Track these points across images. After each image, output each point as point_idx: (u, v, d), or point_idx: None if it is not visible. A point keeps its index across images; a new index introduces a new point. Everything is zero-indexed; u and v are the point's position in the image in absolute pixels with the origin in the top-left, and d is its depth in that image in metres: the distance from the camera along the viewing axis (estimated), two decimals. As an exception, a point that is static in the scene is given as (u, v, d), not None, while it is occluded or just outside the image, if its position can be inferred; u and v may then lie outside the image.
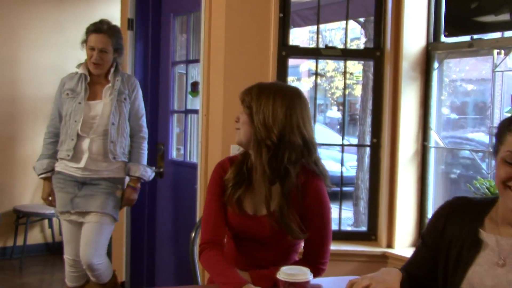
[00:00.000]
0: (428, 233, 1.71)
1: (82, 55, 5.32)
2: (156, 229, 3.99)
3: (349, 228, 7.75)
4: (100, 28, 3.20)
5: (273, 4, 2.96)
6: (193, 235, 2.62)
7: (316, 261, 1.99)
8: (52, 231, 5.22)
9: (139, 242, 4.00)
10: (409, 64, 2.97)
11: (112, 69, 3.26)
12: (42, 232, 5.31)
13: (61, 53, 5.10)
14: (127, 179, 3.36)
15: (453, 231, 1.63)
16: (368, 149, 3.27)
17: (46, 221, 5.24)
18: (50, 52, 5.16)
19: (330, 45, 15.43)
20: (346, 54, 3.12)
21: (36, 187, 5.18)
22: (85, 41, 3.24)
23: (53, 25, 5.20)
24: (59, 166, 3.26)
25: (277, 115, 1.90)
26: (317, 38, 3.19)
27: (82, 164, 3.18)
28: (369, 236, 3.08)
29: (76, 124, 3.15)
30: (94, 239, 3.15)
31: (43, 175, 3.28)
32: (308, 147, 1.95)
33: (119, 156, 3.24)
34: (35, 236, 5.24)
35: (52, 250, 5.22)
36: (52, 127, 3.32)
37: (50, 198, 3.32)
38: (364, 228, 3.25)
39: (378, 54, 3.01)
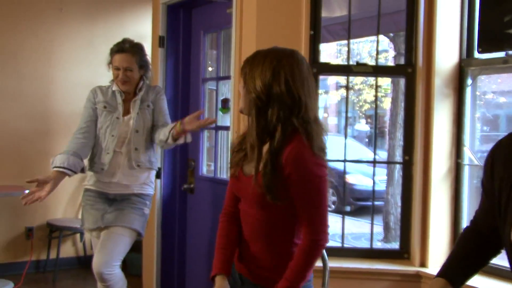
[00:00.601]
0: (484, 177, 1.64)
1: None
2: (187, 245, 4.00)
3: (379, 244, 7.69)
4: (123, 47, 3.23)
5: (304, 22, 2.97)
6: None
7: (309, 238, 1.90)
8: (84, 245, 5.29)
9: (169, 258, 4.02)
10: (441, 81, 2.94)
11: (141, 84, 3.30)
12: (74, 246, 5.37)
13: (92, 70, 5.18)
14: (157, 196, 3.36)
15: (500, 170, 1.54)
16: (398, 164, 3.24)
17: (78, 235, 5.31)
18: (82, 69, 5.25)
19: (358, 57, 15.42)
20: (377, 70, 3.10)
21: (68, 201, 5.27)
22: (110, 62, 3.28)
23: (85, 42, 5.30)
24: (89, 182, 3.27)
25: (266, 74, 1.88)
26: (348, 55, 3.18)
27: (115, 178, 3.20)
28: (402, 254, 3.04)
29: (113, 139, 3.19)
30: (109, 247, 3.11)
31: (57, 169, 3.05)
32: (299, 105, 1.87)
33: (143, 163, 3.24)
34: (67, 250, 5.31)
35: (84, 264, 5.27)
36: (85, 128, 3.24)
37: (36, 184, 2.99)
38: (395, 245, 3.21)
39: (410, 70, 2.99)
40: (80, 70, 5.26)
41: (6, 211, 5.05)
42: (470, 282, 1.76)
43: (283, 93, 1.86)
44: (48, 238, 5.13)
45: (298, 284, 1.90)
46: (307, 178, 1.87)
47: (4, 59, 5.06)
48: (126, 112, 3.26)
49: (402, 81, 3.10)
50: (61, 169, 3.04)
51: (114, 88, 3.28)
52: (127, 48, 3.22)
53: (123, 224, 3.14)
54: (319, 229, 1.91)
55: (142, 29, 5.07)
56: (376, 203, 8.68)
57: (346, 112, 3.58)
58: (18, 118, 5.10)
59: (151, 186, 3.34)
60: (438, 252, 2.97)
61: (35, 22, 5.16)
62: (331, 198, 10.27)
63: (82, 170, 3.17)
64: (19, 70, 5.13)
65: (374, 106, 15.43)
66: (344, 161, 3.19)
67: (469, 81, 2.97)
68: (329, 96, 18.11)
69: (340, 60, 15.54)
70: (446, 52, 2.96)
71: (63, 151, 3.14)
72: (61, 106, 5.21)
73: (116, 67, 3.23)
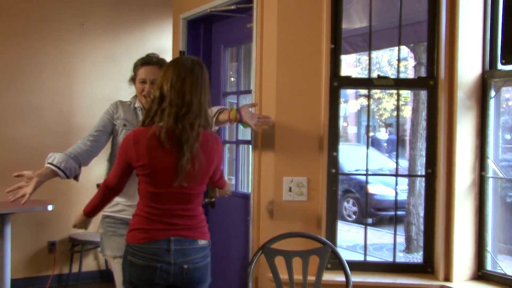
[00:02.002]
0: None
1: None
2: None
3: (400, 254, 7.62)
4: (150, 60, 3.11)
5: (324, 35, 2.96)
6: (249, 269, 2.64)
7: None
8: (106, 259, 5.31)
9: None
10: (464, 93, 2.91)
11: None
12: (96, 260, 5.41)
13: (114, 84, 5.24)
14: None
15: None
16: (420, 177, 3.21)
17: (99, 249, 5.33)
18: (104, 84, 5.31)
19: (377, 66, 15.27)
20: (398, 84, 3.08)
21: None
22: (133, 78, 3.14)
23: (107, 57, 5.37)
24: (109, 209, 3.01)
25: None
26: (369, 68, 3.17)
27: (135, 201, 2.81)
28: (425, 268, 3.01)
29: None
30: None
31: (52, 167, 2.81)
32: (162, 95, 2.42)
33: None
34: (89, 264, 5.35)
35: (105, 278, 5.31)
36: (95, 137, 3.04)
37: (24, 178, 2.76)
38: (418, 256, 3.17)
39: (432, 83, 2.97)
40: (101, 85, 5.32)
41: (29, 226, 5.11)
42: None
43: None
44: (70, 252, 5.17)
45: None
46: None
47: (26, 74, 5.14)
48: None
49: (423, 91, 3.06)
50: (55, 168, 2.80)
51: (137, 104, 3.11)
52: (154, 61, 3.09)
53: None
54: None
55: (163, 43, 5.12)
56: (398, 213, 8.63)
57: (368, 122, 3.55)
58: (40, 133, 5.17)
59: None
60: (462, 266, 2.93)
61: (57, 38, 5.23)
62: (352, 208, 10.21)
63: (76, 178, 2.94)
64: (41, 85, 5.20)
65: (393, 114, 15.31)
66: (366, 174, 3.17)
67: (492, 93, 2.94)
68: (348, 105, 18.06)
69: (359, 69, 15.52)
70: (469, 63, 2.93)
71: (65, 152, 2.90)
72: (83, 121, 5.26)
73: (142, 79, 3.06)
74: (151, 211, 2.43)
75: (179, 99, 2.39)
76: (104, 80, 5.32)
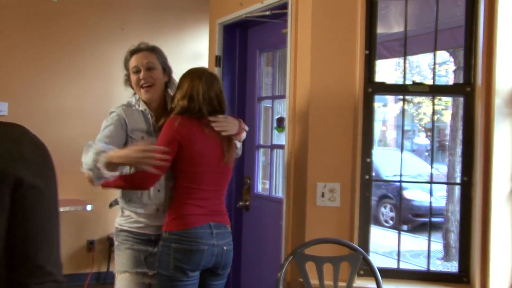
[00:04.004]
0: None
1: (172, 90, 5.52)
2: (241, 262, 4.02)
3: (438, 262, 7.49)
4: (139, 47, 2.79)
5: (359, 41, 2.95)
6: (279, 274, 2.66)
7: None
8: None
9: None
10: (502, 100, 2.85)
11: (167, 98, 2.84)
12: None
13: (152, 88, 5.33)
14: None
15: None
16: (456, 185, 3.16)
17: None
18: (143, 87, 5.40)
19: (417, 70, 15.03)
20: (434, 90, 3.05)
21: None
22: (128, 76, 2.79)
23: (146, 61, 5.45)
24: (124, 222, 2.76)
25: None
26: (404, 73, 3.14)
27: (159, 216, 2.72)
28: (461, 278, 2.96)
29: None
30: None
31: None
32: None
33: None
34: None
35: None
36: (107, 140, 2.60)
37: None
38: (455, 267, 3.12)
39: (469, 89, 2.92)
40: (140, 89, 5.41)
41: (69, 225, 5.24)
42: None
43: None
44: (108, 251, 5.28)
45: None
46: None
47: (69, 78, 5.27)
48: None
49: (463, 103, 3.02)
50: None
51: (142, 107, 2.75)
52: (144, 48, 2.78)
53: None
54: None
55: (200, 48, 5.18)
56: (436, 219, 8.51)
57: (403, 127, 3.51)
58: (82, 135, 5.26)
59: None
60: (499, 276, 2.87)
61: (98, 42, 5.35)
62: (389, 214, 10.09)
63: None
64: (83, 88, 5.33)
65: (434, 119, 15.09)
66: (400, 181, 3.14)
67: (531, 100, 2.88)
68: (387, 109, 17.86)
69: (399, 73, 15.33)
70: (507, 70, 2.87)
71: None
72: (122, 123, 5.37)
73: (135, 67, 2.72)
74: (192, 196, 2.63)
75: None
76: (142, 84, 5.42)
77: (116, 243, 2.77)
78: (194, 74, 2.76)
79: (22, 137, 1.21)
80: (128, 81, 2.80)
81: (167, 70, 2.83)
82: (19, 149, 1.18)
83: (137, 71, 2.72)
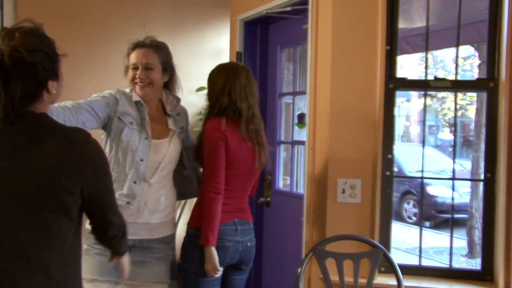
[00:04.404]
0: None
1: (194, 85, 5.57)
2: (263, 257, 4.03)
3: (462, 259, 7.42)
4: (142, 42, 2.66)
5: (380, 37, 2.93)
6: (299, 270, 2.66)
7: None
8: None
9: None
10: (526, 96, 2.81)
11: (164, 97, 2.72)
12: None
13: (174, 84, 5.36)
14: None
15: None
16: (482, 176, 3.12)
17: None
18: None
19: (441, 64, 14.84)
20: (456, 85, 3.01)
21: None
22: (127, 68, 2.68)
23: (167, 57, 5.48)
24: None
25: None
26: (426, 69, 3.10)
27: (142, 218, 2.55)
28: (484, 276, 2.92)
29: (141, 165, 2.51)
30: None
31: None
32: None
33: (172, 204, 2.71)
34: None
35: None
36: (83, 106, 2.43)
37: None
38: (479, 264, 3.08)
39: (492, 85, 2.88)
40: (162, 85, 5.45)
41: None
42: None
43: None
44: (131, 247, 5.33)
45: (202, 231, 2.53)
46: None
47: (92, 75, 5.32)
48: (156, 134, 2.60)
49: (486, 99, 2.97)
50: None
51: (136, 98, 2.61)
52: (148, 44, 2.65)
53: (149, 280, 2.50)
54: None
55: (221, 44, 5.18)
56: (460, 216, 8.41)
57: (424, 122, 3.49)
58: (103, 131, 5.35)
59: (174, 223, 2.78)
60: (523, 274, 2.83)
61: (120, 39, 5.33)
62: (412, 210, 10.01)
63: None
64: (106, 85, 5.35)
65: (458, 114, 14.90)
66: (422, 178, 3.11)
67: (556, 95, 2.82)
68: (411, 104, 17.70)
69: (422, 68, 15.14)
70: (532, 65, 2.83)
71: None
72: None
73: (133, 65, 2.60)
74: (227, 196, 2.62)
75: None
76: (164, 80, 5.45)
77: (85, 246, 2.44)
78: (229, 70, 2.73)
79: (87, 137, 1.69)
80: (127, 72, 2.69)
81: (168, 70, 2.68)
82: (88, 147, 1.66)
83: (135, 68, 2.61)
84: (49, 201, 1.57)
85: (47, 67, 1.62)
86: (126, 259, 2.13)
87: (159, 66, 2.62)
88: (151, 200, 2.56)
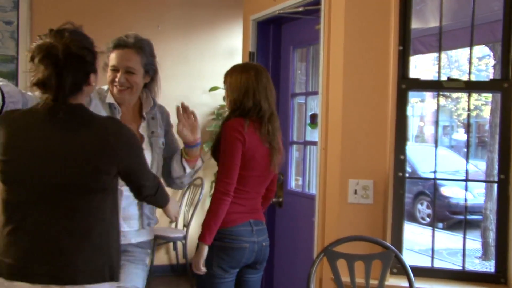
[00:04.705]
0: None
1: (206, 85, 5.58)
2: (274, 257, 4.03)
3: (477, 261, 7.36)
4: (125, 42, 2.41)
5: (392, 37, 2.92)
6: (310, 271, 2.66)
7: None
8: (177, 254, 5.47)
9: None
10: (541, 96, 2.78)
11: (144, 97, 2.52)
12: (168, 254, 5.58)
13: (186, 84, 5.39)
14: None
15: None
16: (492, 183, 3.09)
17: (171, 244, 5.50)
18: (177, 83, 5.45)
19: (456, 64, 14.73)
20: (469, 86, 2.98)
21: (162, 211, 5.47)
22: (106, 65, 2.45)
23: (180, 57, 5.51)
24: None
25: None
26: (439, 69, 3.08)
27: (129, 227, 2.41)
28: (498, 278, 2.89)
29: None
30: None
31: None
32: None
33: (154, 220, 2.56)
34: (161, 258, 5.52)
35: (177, 272, 5.47)
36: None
37: None
38: (493, 267, 3.05)
39: (506, 85, 2.85)
40: (175, 85, 5.46)
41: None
42: None
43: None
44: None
45: (203, 229, 2.55)
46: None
47: (104, 75, 5.36)
48: None
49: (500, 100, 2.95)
50: None
51: (109, 100, 2.43)
52: (131, 44, 2.41)
53: (123, 283, 2.31)
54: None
55: (234, 44, 5.20)
56: (474, 217, 8.34)
57: (437, 123, 3.46)
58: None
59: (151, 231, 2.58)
60: (537, 277, 2.80)
61: (134, 39, 5.42)
62: (426, 211, 9.94)
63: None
64: (119, 85, 5.41)
65: (473, 115, 14.78)
66: (435, 179, 3.09)
67: None
68: (425, 105, 17.58)
69: (437, 68, 15.03)
70: (547, 65, 2.80)
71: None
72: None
73: (113, 66, 2.38)
74: (235, 195, 2.61)
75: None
76: (177, 80, 5.47)
77: None
78: (251, 70, 2.71)
79: (119, 123, 1.99)
80: (105, 69, 2.45)
81: (150, 72, 2.47)
82: (121, 133, 1.93)
83: (115, 70, 2.40)
84: (90, 181, 1.85)
85: (91, 61, 1.92)
86: (170, 208, 2.39)
87: (141, 69, 2.41)
88: (122, 208, 2.34)
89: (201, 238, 2.56)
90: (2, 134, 1.87)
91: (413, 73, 3.00)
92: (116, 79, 2.38)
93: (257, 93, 2.65)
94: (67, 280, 1.82)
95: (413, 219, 9.85)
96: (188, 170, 2.53)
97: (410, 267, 2.69)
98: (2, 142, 1.86)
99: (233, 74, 2.72)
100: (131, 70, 2.38)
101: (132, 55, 2.39)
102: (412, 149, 11.83)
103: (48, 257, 1.82)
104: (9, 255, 1.84)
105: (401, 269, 2.79)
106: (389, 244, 2.78)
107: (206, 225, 2.55)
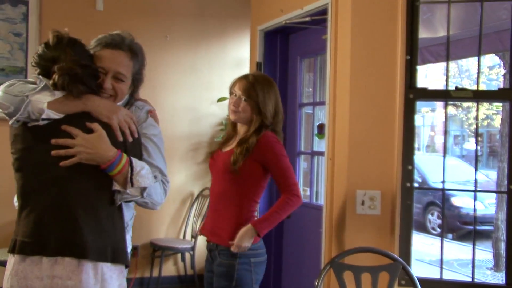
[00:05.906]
0: None
1: (215, 95, 5.57)
2: (283, 269, 4.01)
3: (488, 272, 7.27)
4: (121, 43, 2.09)
5: (399, 46, 2.90)
6: (316, 283, 2.63)
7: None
8: (185, 265, 5.44)
9: (265, 282, 4.03)
10: (550, 106, 2.75)
11: (125, 100, 2.20)
12: (176, 265, 5.55)
13: (195, 94, 5.39)
14: None
15: None
16: (502, 193, 3.05)
17: (179, 255, 5.47)
18: (185, 93, 5.46)
19: (467, 74, 14.68)
20: (478, 95, 2.96)
21: (170, 223, 5.47)
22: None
23: (188, 68, 5.51)
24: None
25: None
26: (447, 79, 3.06)
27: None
28: (508, 290, 2.86)
29: None
30: None
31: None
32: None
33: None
34: (169, 269, 5.49)
35: (184, 283, 5.44)
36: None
37: None
38: (503, 279, 3.00)
39: (515, 95, 2.83)
40: (183, 95, 5.48)
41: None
42: None
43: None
44: (151, 257, 5.34)
45: (266, 223, 2.62)
46: (273, 156, 2.68)
47: (114, 85, 5.38)
48: None
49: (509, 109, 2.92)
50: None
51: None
52: (126, 46, 2.10)
53: None
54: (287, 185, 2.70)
55: (242, 54, 5.20)
56: (485, 227, 8.25)
57: (445, 133, 3.44)
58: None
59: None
60: (548, 289, 2.76)
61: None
62: (436, 221, 9.86)
63: None
64: (127, 95, 5.42)
65: (484, 124, 14.68)
66: (443, 189, 3.06)
67: None
68: (435, 114, 17.48)
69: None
70: (556, 74, 2.77)
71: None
72: (165, 130, 5.36)
73: (102, 68, 2.04)
74: (255, 209, 2.73)
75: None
76: (185, 90, 5.48)
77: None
78: (272, 83, 2.80)
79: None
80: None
81: (136, 82, 2.17)
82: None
83: (102, 72, 2.05)
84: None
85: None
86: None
87: (130, 78, 2.12)
88: None
89: (262, 230, 2.60)
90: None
91: (423, 83, 2.99)
92: (106, 84, 2.04)
93: (280, 106, 2.77)
94: (77, 254, 1.90)
95: (424, 229, 9.76)
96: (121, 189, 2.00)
97: (418, 279, 2.66)
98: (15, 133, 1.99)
99: (264, 87, 2.72)
100: (121, 77, 2.07)
101: (124, 59, 2.07)
102: (423, 159, 11.73)
103: (60, 227, 1.91)
104: (22, 232, 1.93)
105: (409, 281, 2.76)
106: (396, 256, 2.74)
107: (273, 221, 2.65)
